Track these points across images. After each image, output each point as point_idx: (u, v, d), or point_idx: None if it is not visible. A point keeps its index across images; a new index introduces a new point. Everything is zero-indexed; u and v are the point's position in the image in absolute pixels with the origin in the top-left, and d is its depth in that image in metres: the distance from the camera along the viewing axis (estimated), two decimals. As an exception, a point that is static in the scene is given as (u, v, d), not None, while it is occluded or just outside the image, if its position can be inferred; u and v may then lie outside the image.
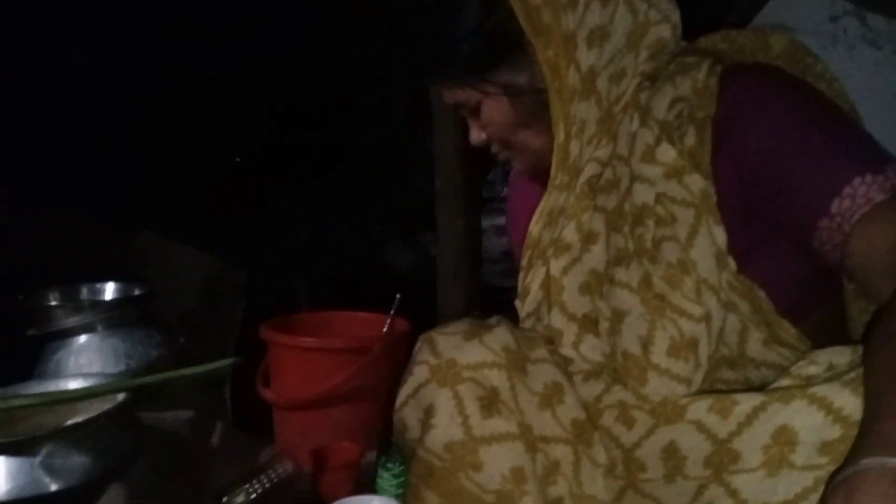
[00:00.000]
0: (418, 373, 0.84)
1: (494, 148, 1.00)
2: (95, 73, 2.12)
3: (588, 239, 0.88)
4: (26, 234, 1.64)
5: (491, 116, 0.93)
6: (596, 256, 0.86)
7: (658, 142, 0.83)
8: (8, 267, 1.50)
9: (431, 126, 2.20)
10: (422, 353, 0.86)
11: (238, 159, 3.08)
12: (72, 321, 1.40)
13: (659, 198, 0.81)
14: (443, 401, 0.79)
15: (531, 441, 0.78)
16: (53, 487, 0.97)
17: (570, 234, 0.90)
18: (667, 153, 0.82)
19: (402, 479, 1.41)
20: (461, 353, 0.81)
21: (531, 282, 0.95)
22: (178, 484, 1.14)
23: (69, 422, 1.04)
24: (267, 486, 1.38)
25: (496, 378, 0.79)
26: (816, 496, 0.62)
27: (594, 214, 0.88)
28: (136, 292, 1.53)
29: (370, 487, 1.43)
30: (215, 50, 2.53)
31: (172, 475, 1.13)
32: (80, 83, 2.09)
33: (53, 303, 1.43)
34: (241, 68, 2.61)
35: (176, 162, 2.54)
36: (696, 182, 0.80)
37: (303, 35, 2.66)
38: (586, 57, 0.86)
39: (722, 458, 0.69)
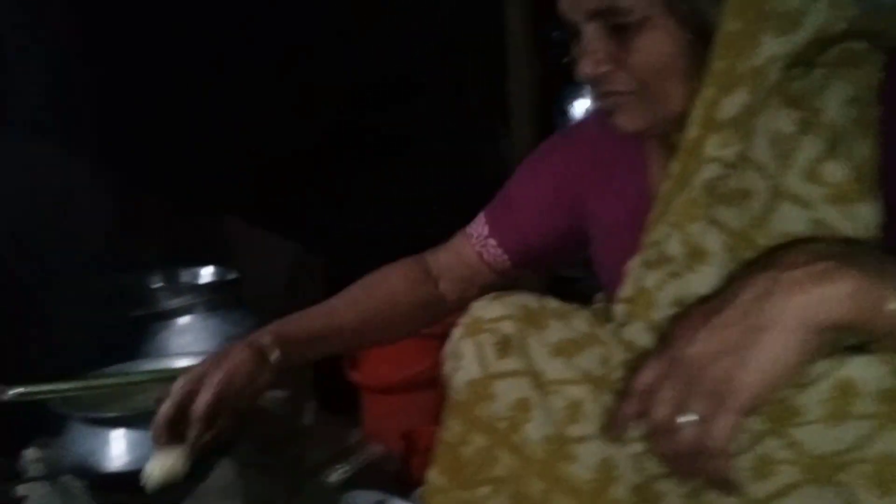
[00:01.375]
0: (455, 333, 0.90)
1: (608, 86, 0.79)
2: (189, 66, 2.19)
3: (695, 256, 0.75)
4: (128, 220, 1.71)
5: (648, 45, 0.74)
6: (705, 280, 0.74)
7: (828, 155, 0.68)
8: (112, 251, 1.57)
9: (507, 116, 2.18)
10: (461, 318, 0.91)
11: (312, 145, 3.11)
12: (173, 303, 1.46)
13: (816, 227, 0.69)
14: (467, 348, 0.86)
15: (541, 383, 0.83)
16: (169, 460, 1.00)
17: (673, 246, 0.77)
18: (837, 171, 0.68)
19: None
20: (485, 310, 0.88)
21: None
22: (279, 461, 1.17)
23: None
24: (357, 467, 1.40)
25: (509, 328, 0.85)
26: (876, 443, 0.62)
27: (708, 228, 0.75)
28: (231, 276, 1.58)
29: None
30: (293, 37, 2.58)
31: (273, 452, 1.16)
32: (175, 75, 2.16)
33: (156, 285, 1.48)
34: (315, 52, 2.64)
35: (258, 148, 2.59)
36: (867, 213, 0.67)
37: (378, 16, 2.67)
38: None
39: (781, 414, 0.66)
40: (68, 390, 1.04)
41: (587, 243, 1.00)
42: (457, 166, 2.87)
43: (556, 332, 0.86)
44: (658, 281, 0.78)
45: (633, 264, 0.82)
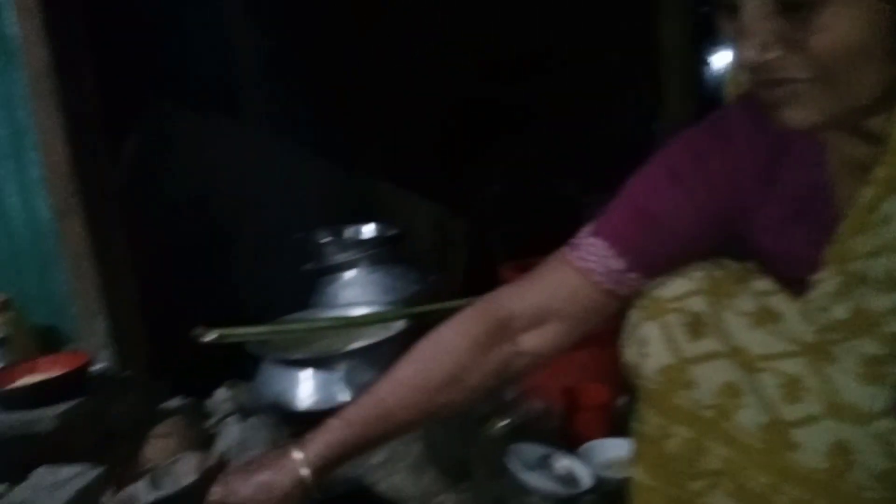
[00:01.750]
0: (632, 316, 0.83)
1: (778, 74, 0.67)
2: (353, 46, 2.28)
3: None
4: (298, 183, 1.81)
5: (834, 22, 0.62)
6: None
7: None
8: (286, 212, 1.66)
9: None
10: (637, 300, 0.83)
11: (454, 114, 3.15)
12: (340, 257, 1.52)
13: None
14: (652, 332, 0.79)
15: (746, 361, 0.74)
16: (354, 402, 1.05)
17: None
18: None
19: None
20: (664, 289, 0.80)
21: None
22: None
23: (353, 345, 1.13)
24: (518, 421, 1.41)
25: (698, 304, 0.77)
26: None
27: None
28: (392, 232, 1.62)
29: (623, 431, 1.41)
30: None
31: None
32: (342, 55, 2.25)
33: (325, 241, 1.55)
34: (466, 26, 2.67)
35: (408, 119, 2.66)
36: None
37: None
38: None
39: None
40: (261, 333, 1.11)
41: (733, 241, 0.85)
42: (597, 133, 2.81)
43: (747, 299, 0.76)
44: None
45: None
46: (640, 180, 0.82)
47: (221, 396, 1.43)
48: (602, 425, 1.41)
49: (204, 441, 1.42)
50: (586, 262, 0.79)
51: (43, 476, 1.30)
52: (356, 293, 1.49)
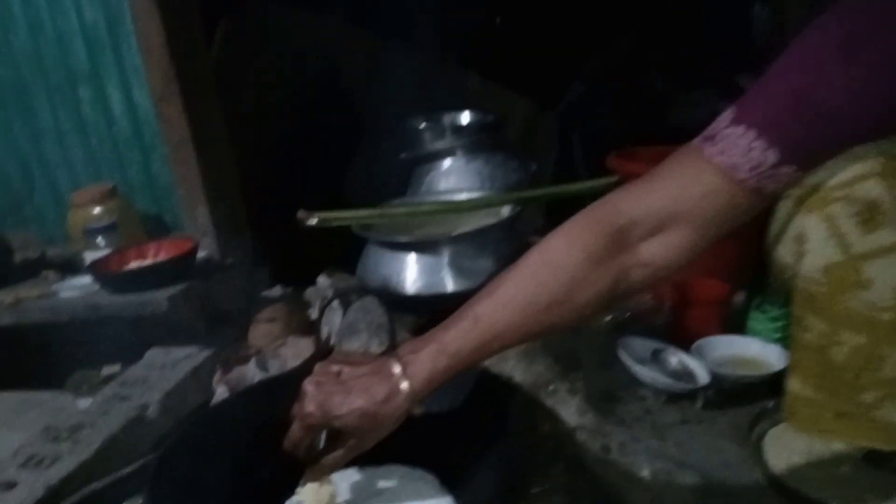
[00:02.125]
0: (783, 207, 0.73)
1: None
2: None
3: None
4: (394, 71, 1.73)
5: None
6: None
7: None
8: (383, 99, 1.59)
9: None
10: (791, 190, 0.72)
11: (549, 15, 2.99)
12: (438, 144, 1.45)
13: None
14: (813, 226, 0.70)
15: None
16: (461, 286, 1.01)
17: None
18: None
19: (780, 322, 1.28)
20: (826, 175, 0.70)
21: None
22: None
23: (459, 230, 1.07)
24: (626, 315, 1.35)
25: (872, 190, 0.67)
26: None
27: None
28: (490, 119, 1.53)
29: (738, 328, 1.33)
30: None
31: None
32: None
33: (422, 127, 1.48)
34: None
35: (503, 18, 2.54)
36: None
37: None
38: None
39: None
40: (364, 217, 1.07)
41: None
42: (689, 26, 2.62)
43: None
44: None
45: None
46: (795, 56, 0.67)
47: (323, 284, 1.43)
48: (716, 322, 1.33)
49: (307, 327, 1.43)
50: (728, 155, 0.65)
51: (156, 356, 1.35)
52: (454, 182, 1.42)
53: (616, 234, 0.68)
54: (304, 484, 0.69)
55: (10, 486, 0.95)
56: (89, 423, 1.10)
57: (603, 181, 1.08)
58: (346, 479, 0.77)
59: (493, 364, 0.98)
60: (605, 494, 0.71)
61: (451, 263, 1.02)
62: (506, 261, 1.08)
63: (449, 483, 0.73)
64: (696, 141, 0.67)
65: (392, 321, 0.93)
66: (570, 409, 0.96)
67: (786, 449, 0.99)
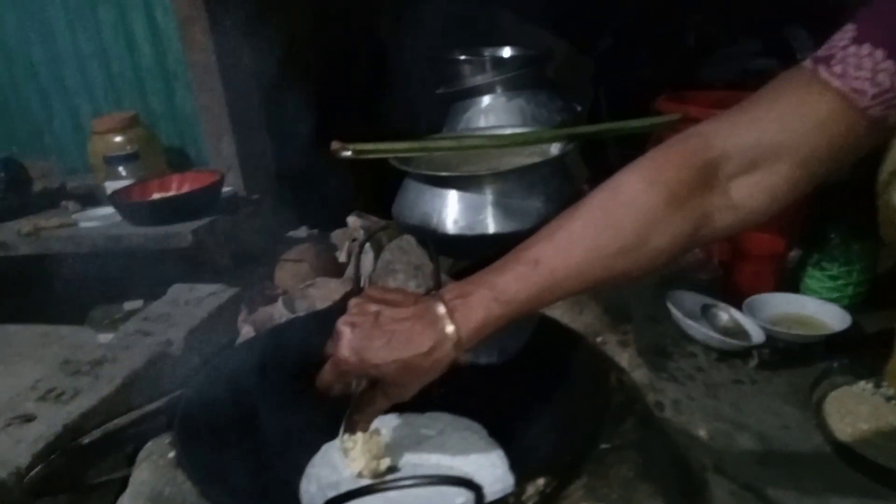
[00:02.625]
0: None
1: None
2: None
3: None
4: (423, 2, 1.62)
5: None
6: None
7: None
8: (414, 30, 1.49)
9: None
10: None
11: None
12: (478, 79, 1.36)
13: None
14: None
15: None
16: (506, 228, 0.94)
17: None
18: None
19: (839, 281, 1.20)
20: None
21: None
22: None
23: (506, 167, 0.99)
24: (675, 269, 1.28)
25: None
26: None
27: None
28: (533, 53, 1.43)
29: (793, 286, 1.26)
30: None
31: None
32: None
33: (462, 60, 1.39)
34: None
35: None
36: None
37: None
38: None
39: None
40: (401, 150, 0.99)
41: None
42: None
43: None
44: None
45: None
46: None
47: (353, 224, 1.36)
48: (770, 279, 1.25)
49: (336, 269, 1.37)
50: (849, 79, 0.55)
51: (179, 292, 1.30)
52: (494, 120, 1.34)
53: (704, 170, 0.59)
54: (344, 433, 0.64)
55: (29, 419, 0.91)
56: (111, 357, 1.05)
57: (665, 119, 0.99)
58: (385, 425, 0.71)
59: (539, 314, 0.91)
60: (672, 454, 0.65)
61: (497, 202, 0.95)
62: (555, 203, 1.01)
63: (499, 437, 0.67)
64: (808, 63, 0.58)
65: (436, 261, 0.86)
66: (620, 363, 0.90)
67: (850, 413, 0.92)
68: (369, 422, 0.64)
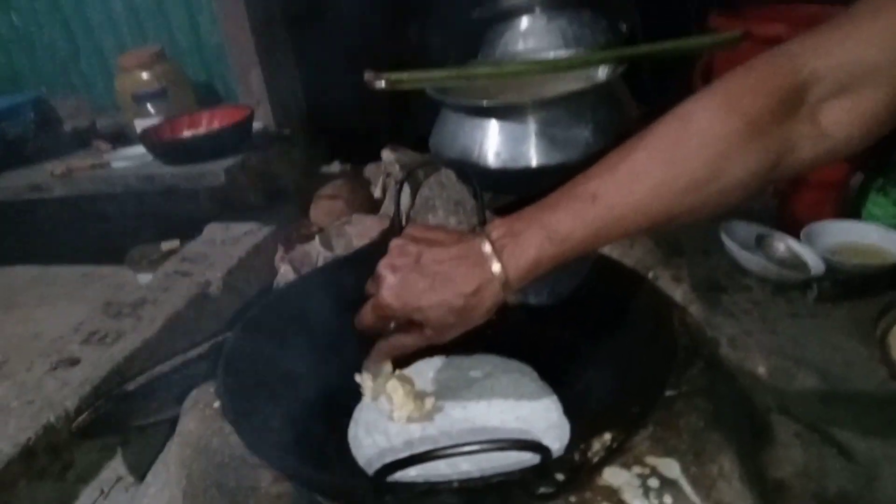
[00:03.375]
0: None
1: None
2: None
3: None
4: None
5: None
6: None
7: None
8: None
9: None
10: None
11: None
12: (516, 1, 1.27)
13: None
14: None
15: None
16: (552, 160, 0.88)
17: None
18: None
19: (905, 207, 1.13)
20: None
21: None
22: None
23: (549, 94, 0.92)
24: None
25: None
26: None
27: None
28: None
29: (854, 214, 1.19)
30: None
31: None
32: None
33: (497, -21, 1.29)
34: None
35: None
36: None
37: None
38: None
39: None
40: (439, 78, 0.94)
41: None
42: None
43: None
44: None
45: None
46: None
47: (387, 159, 1.32)
48: (829, 206, 1.18)
49: (371, 205, 1.34)
50: None
51: (215, 232, 1.28)
52: (534, 44, 1.25)
53: (789, 94, 0.52)
54: (366, 370, 0.62)
55: (74, 362, 0.91)
56: (151, 299, 1.05)
57: (726, 36, 0.91)
58: (431, 368, 0.69)
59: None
60: (739, 396, 0.61)
61: (541, 133, 0.89)
62: (604, 133, 0.95)
63: (551, 382, 0.64)
64: None
65: (479, 196, 0.82)
66: (676, 297, 0.85)
67: None
68: (388, 357, 0.61)
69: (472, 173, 0.88)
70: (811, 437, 0.68)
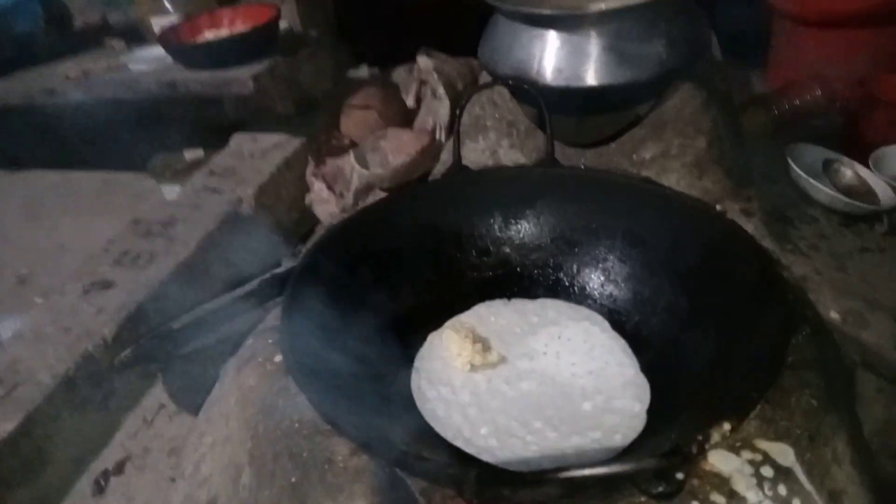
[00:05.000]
0: None
1: None
2: None
3: None
4: None
5: None
6: None
7: None
8: None
9: None
10: None
11: None
12: None
13: None
14: None
15: None
16: (621, 77, 0.80)
17: None
18: None
19: None
20: None
21: None
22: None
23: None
24: (786, 107, 1.12)
25: None
26: None
27: None
28: None
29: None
30: None
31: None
32: None
33: None
34: None
35: None
36: None
37: None
38: None
39: None
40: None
41: None
42: None
43: None
44: None
45: None
46: None
47: (424, 65, 1.22)
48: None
49: (405, 116, 1.26)
50: None
51: (242, 143, 1.21)
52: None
53: None
54: None
55: (107, 285, 0.88)
56: (181, 217, 1.00)
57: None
58: (491, 312, 0.65)
59: (654, 177, 0.80)
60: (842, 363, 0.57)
61: (609, 47, 0.80)
62: (680, 48, 0.85)
63: (623, 334, 0.60)
64: None
65: (549, 121, 0.74)
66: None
67: None
68: None
69: (537, 92, 0.79)
70: (893, 391, 0.64)
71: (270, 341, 0.54)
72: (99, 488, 0.71)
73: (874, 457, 0.57)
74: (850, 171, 1.04)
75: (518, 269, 0.66)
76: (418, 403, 0.56)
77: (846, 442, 0.43)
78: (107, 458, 0.75)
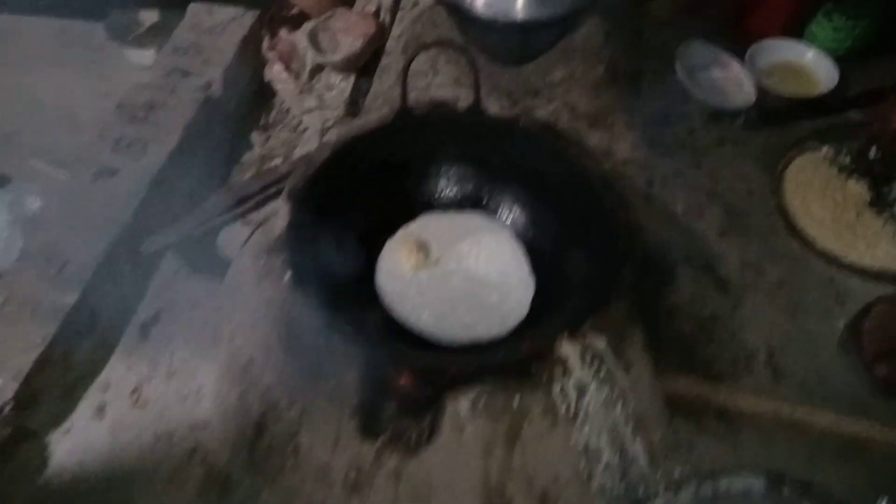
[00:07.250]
0: None
1: None
2: None
3: None
4: None
5: None
6: None
7: None
8: None
9: None
10: None
11: None
12: None
13: None
14: None
15: None
16: (541, 14, 0.96)
17: None
18: None
19: (842, 33, 1.23)
20: None
21: None
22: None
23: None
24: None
25: None
26: None
27: None
28: None
29: (798, 32, 1.28)
30: None
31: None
32: None
33: None
34: None
35: None
36: None
37: None
38: None
39: None
40: None
41: None
42: None
43: None
44: None
45: None
46: None
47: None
48: (778, 22, 1.26)
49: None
50: None
51: (199, 15, 1.30)
52: None
53: None
54: None
55: (113, 172, 1.05)
56: (160, 102, 1.14)
57: None
58: (432, 221, 0.88)
59: (558, 97, 1.00)
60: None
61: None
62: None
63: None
64: None
65: (475, 69, 0.87)
66: (625, 144, 1.02)
67: (803, 184, 1.04)
68: None
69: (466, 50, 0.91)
70: (701, 276, 0.93)
71: (283, 259, 0.75)
72: (144, 334, 0.95)
73: (678, 322, 0.87)
74: (725, 69, 1.22)
75: (451, 192, 0.90)
76: (379, 296, 0.82)
77: (641, 330, 0.73)
78: (142, 313, 0.97)
